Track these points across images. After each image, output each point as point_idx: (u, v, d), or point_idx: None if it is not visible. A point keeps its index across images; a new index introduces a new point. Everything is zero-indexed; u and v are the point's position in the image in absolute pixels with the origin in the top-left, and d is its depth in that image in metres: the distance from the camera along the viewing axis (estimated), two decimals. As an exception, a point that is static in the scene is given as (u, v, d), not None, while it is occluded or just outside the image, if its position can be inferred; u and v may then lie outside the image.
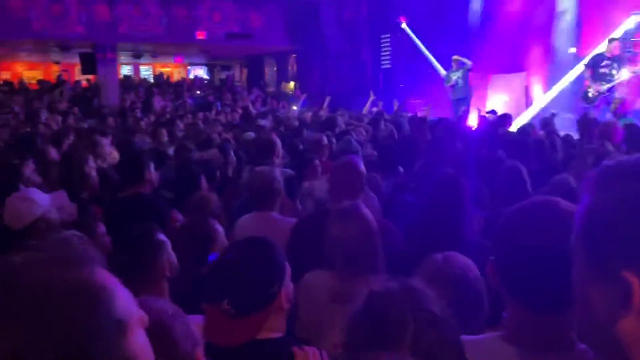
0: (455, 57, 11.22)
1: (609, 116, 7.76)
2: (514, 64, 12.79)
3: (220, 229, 2.40)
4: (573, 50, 12.58)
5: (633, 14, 11.99)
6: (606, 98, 8.43)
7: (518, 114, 11.09)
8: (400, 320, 1.13)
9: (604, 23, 13.15)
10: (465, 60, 11.01)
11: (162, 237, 2.10)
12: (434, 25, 12.97)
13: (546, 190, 2.92)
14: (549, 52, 13.22)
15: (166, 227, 2.59)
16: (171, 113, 11.06)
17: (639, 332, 0.62)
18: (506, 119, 7.31)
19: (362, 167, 2.80)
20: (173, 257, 2.08)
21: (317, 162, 4.03)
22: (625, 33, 12.31)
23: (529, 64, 13.10)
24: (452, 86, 11.04)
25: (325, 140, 4.66)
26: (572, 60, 12.54)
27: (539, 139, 4.88)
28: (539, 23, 13.24)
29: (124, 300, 0.64)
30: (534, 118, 10.16)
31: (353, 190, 2.67)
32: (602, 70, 8.66)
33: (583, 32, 13.51)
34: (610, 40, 8.94)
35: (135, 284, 1.42)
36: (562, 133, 5.86)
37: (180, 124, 8.02)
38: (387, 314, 1.15)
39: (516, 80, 12.90)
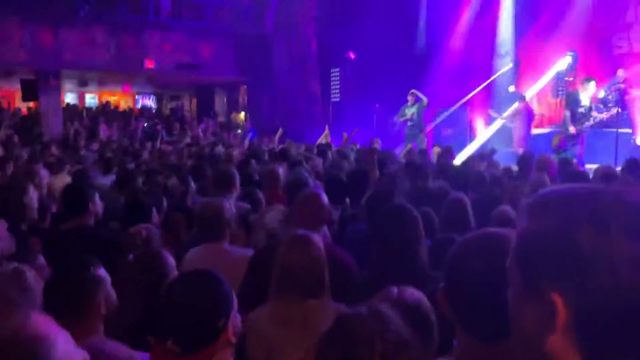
0: (413, 90, 11.40)
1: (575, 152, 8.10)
2: (457, 99, 13.32)
3: (172, 262, 2.33)
4: (512, 88, 13.29)
5: (567, 54, 12.84)
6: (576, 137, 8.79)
7: (462, 148, 11.52)
8: (369, 342, 1.14)
9: (540, 63, 14.00)
10: (422, 96, 11.23)
11: (101, 272, 1.96)
12: (381, 60, 13.40)
13: (488, 221, 3.05)
14: (491, 88, 13.89)
15: (111, 261, 2.49)
16: (118, 142, 10.79)
17: (564, 350, 0.67)
18: (450, 152, 7.58)
19: (326, 200, 2.83)
20: (112, 294, 1.96)
21: (260, 194, 4.02)
22: (559, 73, 13.14)
23: (472, 99, 13.70)
24: (406, 121, 11.19)
25: (279, 171, 4.66)
26: (511, 97, 13.21)
27: (480, 172, 5.07)
28: (481, 61, 13.94)
29: (63, 348, 0.61)
30: (476, 151, 10.54)
31: (316, 223, 2.70)
32: (580, 110, 9.06)
33: (521, 71, 14.31)
34: (587, 80, 9.33)
35: (69, 321, 1.36)
36: (502, 166, 6.11)
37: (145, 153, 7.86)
38: (356, 337, 1.16)
39: (460, 114, 13.42)
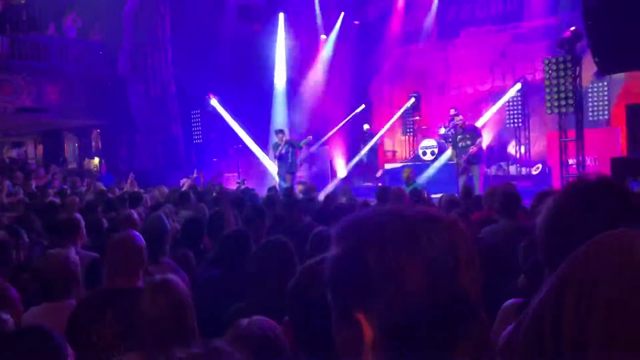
0: (280, 129, 11.41)
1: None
2: (316, 138, 13.85)
3: (10, 321, 2.05)
4: (367, 126, 14.20)
5: (411, 95, 14.09)
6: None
7: (324, 184, 11.94)
8: None
9: (390, 103, 15.18)
10: (295, 142, 11.30)
11: None
12: (240, 101, 13.55)
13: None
14: (347, 127, 14.70)
15: None
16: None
17: None
18: (314, 189, 7.85)
19: (142, 242, 2.64)
20: None
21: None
22: (405, 111, 14.32)
23: (332, 138, 14.36)
24: (279, 158, 11.10)
25: (135, 216, 4.41)
26: (366, 135, 14.09)
27: (341, 205, 5.28)
28: (337, 101, 14.74)
29: None
30: (337, 187, 10.96)
31: (130, 268, 2.52)
32: (460, 143, 9.72)
33: (374, 111, 15.37)
34: (457, 115, 10.05)
35: None
36: (360, 199, 6.42)
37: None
38: None
39: (322, 153, 13.97)
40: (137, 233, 2.70)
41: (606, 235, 0.69)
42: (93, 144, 16.11)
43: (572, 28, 9.00)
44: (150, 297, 2.03)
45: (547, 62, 9.24)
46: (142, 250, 2.56)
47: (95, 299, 2.45)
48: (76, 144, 17.16)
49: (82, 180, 12.53)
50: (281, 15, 14.91)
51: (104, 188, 8.79)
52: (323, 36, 15.11)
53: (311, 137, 11.64)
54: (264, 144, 13.03)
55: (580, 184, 1.17)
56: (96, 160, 15.35)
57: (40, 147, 18.10)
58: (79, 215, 4.05)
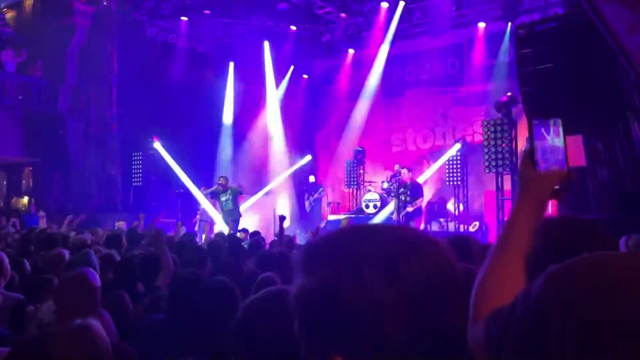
0: (223, 176, 11.35)
1: None
2: (261, 186, 13.79)
3: None
4: (312, 178, 14.32)
5: (356, 149, 14.39)
6: None
7: (269, 231, 11.78)
8: None
9: (335, 156, 15.43)
10: (235, 186, 11.20)
11: None
12: (185, 145, 13.38)
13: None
14: (293, 178, 14.75)
15: None
16: None
17: None
18: (259, 236, 7.68)
19: (96, 281, 2.47)
20: None
21: (55, 280, 3.50)
22: (349, 164, 14.57)
23: (276, 188, 14.35)
24: (220, 205, 11.02)
25: (67, 256, 4.15)
26: (312, 185, 14.18)
27: (282, 253, 5.22)
28: (282, 152, 14.86)
29: None
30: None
31: (84, 309, 2.33)
32: (401, 196, 9.83)
33: (319, 162, 15.55)
34: (405, 169, 10.23)
35: None
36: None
37: None
38: None
39: (267, 201, 13.90)
40: (93, 271, 2.52)
41: (581, 257, 0.67)
42: (23, 182, 15.25)
43: (509, 94, 9.59)
44: (67, 343, 1.86)
45: (485, 123, 9.73)
46: (97, 290, 2.38)
47: (37, 344, 2.20)
48: (4, 182, 16.20)
49: (8, 220, 11.76)
50: (231, 64, 15.07)
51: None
52: (272, 87, 15.33)
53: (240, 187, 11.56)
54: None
55: (550, 223, 1.17)
56: (25, 199, 14.49)
57: (-37, 183, 16.96)
58: (1, 253, 3.75)
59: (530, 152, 0.94)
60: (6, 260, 3.61)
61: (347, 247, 0.66)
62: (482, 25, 12.82)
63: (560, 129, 0.96)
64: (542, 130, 0.97)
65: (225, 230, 10.15)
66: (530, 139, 0.96)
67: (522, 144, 11.24)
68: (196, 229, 11.54)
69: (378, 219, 12.13)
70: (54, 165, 13.23)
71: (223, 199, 10.98)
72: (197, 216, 12.37)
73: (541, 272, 0.68)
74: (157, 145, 13.35)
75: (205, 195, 11.89)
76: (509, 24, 12.25)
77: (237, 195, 11.11)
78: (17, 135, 13.24)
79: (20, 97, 13.01)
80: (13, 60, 13.54)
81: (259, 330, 1.04)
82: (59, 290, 2.47)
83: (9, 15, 14.80)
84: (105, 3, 13.00)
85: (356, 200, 14.35)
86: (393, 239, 0.66)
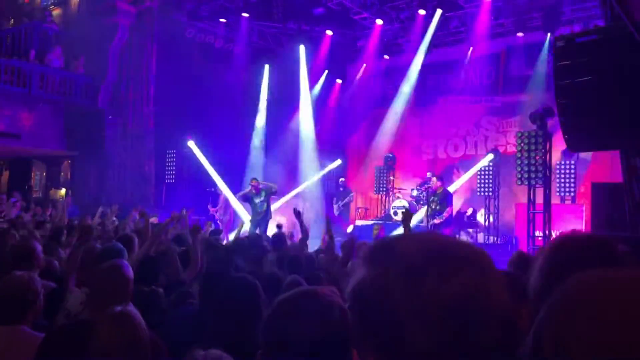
0: (255, 179, 11.22)
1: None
2: (290, 189, 13.88)
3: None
4: (342, 179, 14.35)
5: (386, 155, 14.33)
6: None
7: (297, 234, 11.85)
8: None
9: (365, 161, 15.40)
10: (270, 184, 11.18)
11: None
12: (218, 145, 13.58)
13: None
14: (323, 182, 14.77)
15: None
16: None
17: None
18: (282, 238, 7.74)
19: (130, 273, 2.58)
20: None
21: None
22: (379, 170, 14.51)
23: (305, 191, 14.43)
24: (254, 208, 10.97)
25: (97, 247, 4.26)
26: (340, 188, 14.18)
27: (309, 255, 5.29)
28: (311, 155, 14.94)
29: None
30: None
31: (116, 299, 2.42)
32: (431, 205, 9.79)
33: (349, 167, 15.55)
34: (435, 177, 10.21)
35: None
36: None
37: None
38: None
39: (295, 204, 13.96)
40: (126, 263, 2.62)
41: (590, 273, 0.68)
42: (62, 174, 15.75)
43: (545, 106, 9.42)
44: (108, 329, 1.93)
45: (520, 134, 9.58)
46: (129, 281, 2.47)
47: (71, 329, 2.29)
48: (44, 173, 16.75)
49: (43, 210, 12.16)
50: (266, 67, 15.25)
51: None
52: (306, 90, 15.44)
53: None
54: (237, 190, 12.97)
55: (571, 239, 1.18)
56: (62, 191, 14.96)
57: (6, 174, 17.60)
58: (35, 243, 3.87)
59: None
60: (39, 249, 3.74)
61: (415, 244, 0.70)
62: (520, 35, 12.66)
63: None
64: None
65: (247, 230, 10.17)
66: None
67: (556, 157, 11.03)
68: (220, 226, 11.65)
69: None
70: (91, 159, 13.63)
71: (257, 200, 10.85)
72: (217, 215, 12.47)
73: (557, 288, 0.69)
74: (191, 144, 13.61)
75: (237, 198, 11.99)
76: (549, 34, 12.06)
77: (269, 196, 11.12)
78: (58, 128, 13.70)
79: (62, 92, 13.45)
80: (59, 57, 14.00)
81: (289, 326, 1.07)
82: (94, 279, 2.56)
83: (55, 12, 15.34)
84: (147, 4, 13.34)
85: (384, 207, 14.30)
86: (450, 250, 0.70)
